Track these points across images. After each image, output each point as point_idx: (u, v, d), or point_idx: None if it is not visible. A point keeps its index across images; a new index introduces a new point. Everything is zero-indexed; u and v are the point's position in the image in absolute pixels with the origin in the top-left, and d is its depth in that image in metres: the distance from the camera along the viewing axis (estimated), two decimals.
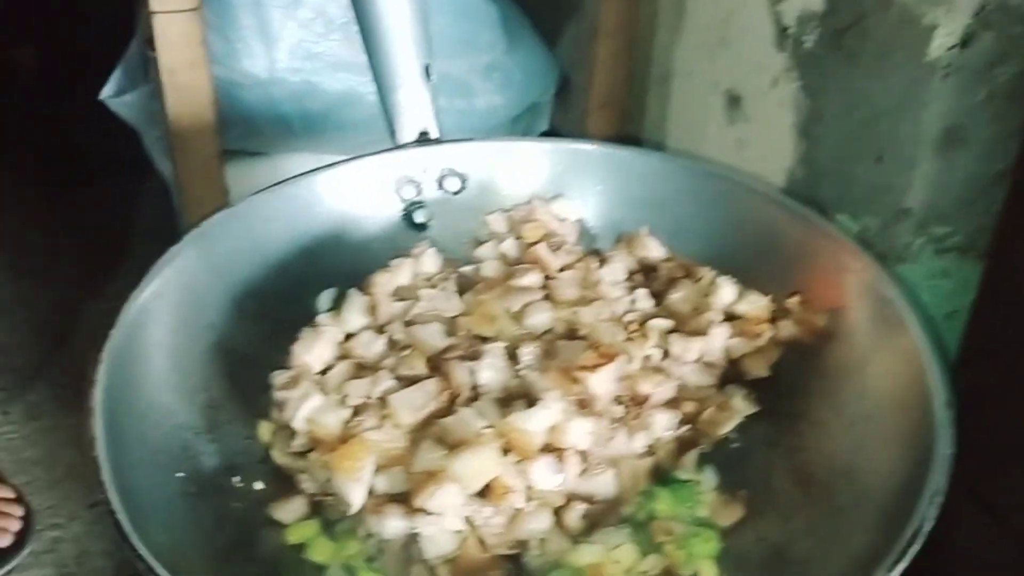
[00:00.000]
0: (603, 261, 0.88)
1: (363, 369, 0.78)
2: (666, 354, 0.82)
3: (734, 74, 1.08)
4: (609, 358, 0.72)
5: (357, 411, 0.74)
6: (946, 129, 0.85)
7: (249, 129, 1.31)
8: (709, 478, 0.78)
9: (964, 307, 0.94)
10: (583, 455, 0.71)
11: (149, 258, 0.79)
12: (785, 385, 0.82)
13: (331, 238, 0.90)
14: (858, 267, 0.81)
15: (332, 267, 0.88)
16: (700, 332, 0.82)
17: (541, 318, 0.80)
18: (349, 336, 0.82)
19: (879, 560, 0.59)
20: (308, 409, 0.74)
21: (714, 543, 0.73)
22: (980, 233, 0.92)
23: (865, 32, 0.87)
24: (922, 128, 0.85)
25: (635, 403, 0.75)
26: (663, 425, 0.77)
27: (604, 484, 0.71)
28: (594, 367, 0.72)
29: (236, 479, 0.76)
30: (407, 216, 0.93)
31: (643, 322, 0.82)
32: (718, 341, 0.82)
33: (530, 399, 0.72)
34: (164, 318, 0.78)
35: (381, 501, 0.68)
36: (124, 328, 0.74)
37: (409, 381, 0.74)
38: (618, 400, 0.75)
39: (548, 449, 0.70)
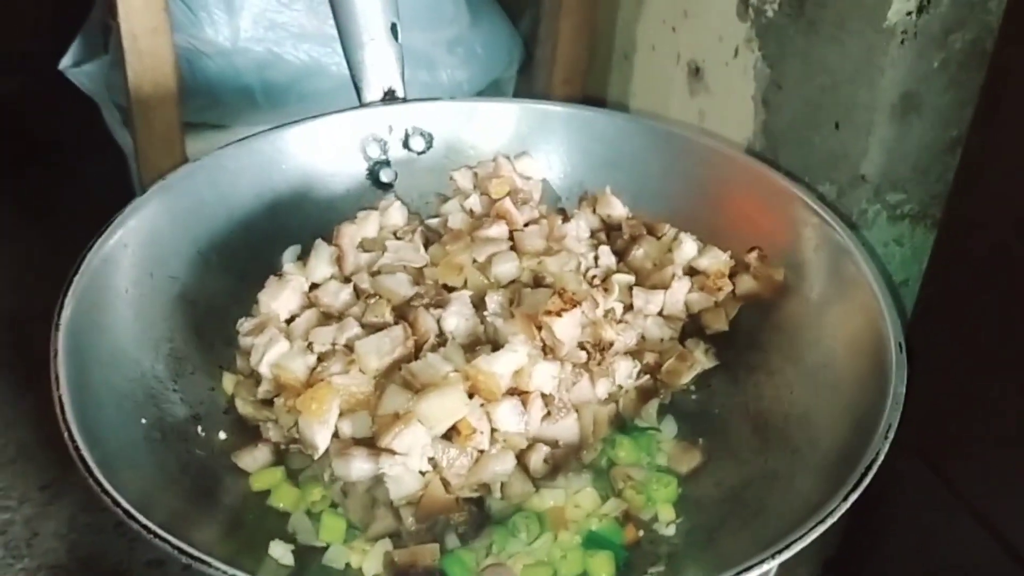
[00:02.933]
0: (567, 219, 0.89)
1: (328, 318, 0.78)
2: (628, 308, 0.82)
3: (696, 46, 1.09)
4: (573, 304, 0.73)
5: (322, 358, 0.74)
6: (902, 95, 0.86)
7: (211, 100, 1.31)
8: (669, 427, 0.79)
9: (916, 276, 0.96)
10: (547, 399, 0.72)
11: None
12: (744, 338, 0.83)
13: (296, 195, 0.90)
14: (814, 220, 0.82)
15: (297, 223, 0.88)
16: (662, 286, 0.83)
17: (507, 267, 0.80)
18: (315, 287, 0.82)
19: (835, 492, 0.61)
20: (274, 354, 0.74)
21: (673, 488, 0.74)
22: (933, 201, 0.94)
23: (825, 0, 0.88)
24: (879, 94, 0.86)
25: (598, 350, 0.76)
26: (625, 373, 0.78)
27: (567, 429, 0.72)
28: (559, 312, 0.72)
29: (199, 428, 0.76)
30: (372, 175, 0.94)
31: (606, 277, 0.83)
32: (679, 294, 0.83)
33: (495, 346, 0.72)
34: (127, 268, 0.78)
35: (346, 444, 0.68)
36: (88, 275, 0.73)
37: (375, 329, 0.74)
38: (582, 347, 0.76)
39: (513, 393, 0.70)
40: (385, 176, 0.94)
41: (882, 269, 0.79)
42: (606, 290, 0.81)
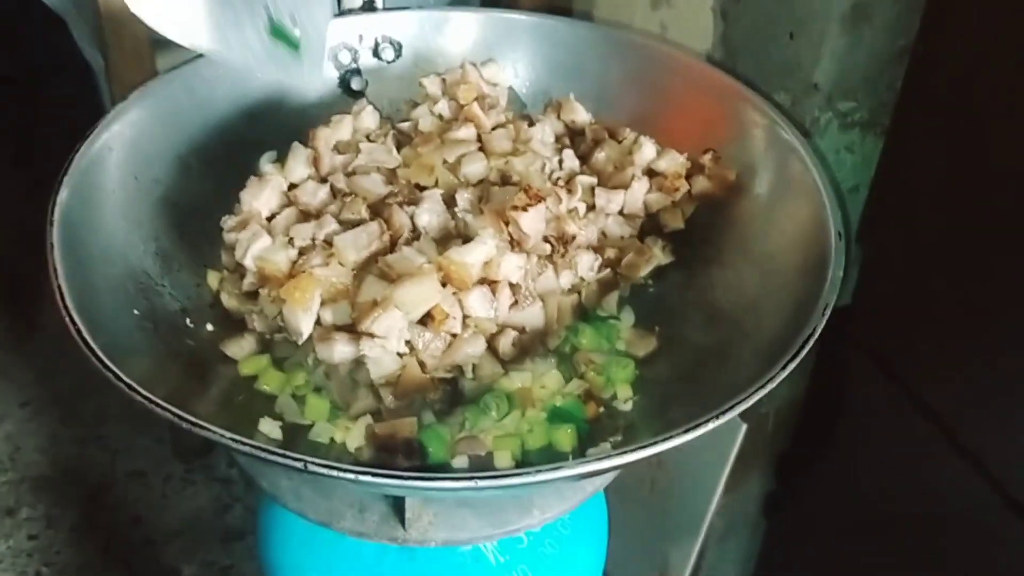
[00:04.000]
0: (532, 124, 0.92)
1: (307, 216, 0.81)
2: (591, 208, 0.86)
3: None
4: (538, 199, 0.76)
5: (303, 252, 0.77)
6: (853, 5, 0.88)
7: None
8: (627, 317, 0.83)
9: (865, 182, 0.99)
10: (514, 288, 0.75)
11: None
12: (698, 235, 0.87)
13: (271, 102, 0.92)
14: (763, 121, 0.85)
15: (273, 129, 0.90)
16: (622, 186, 0.86)
17: (476, 167, 0.83)
18: (293, 187, 0.85)
19: (777, 359, 0.65)
20: (258, 248, 0.77)
21: (630, 369, 0.78)
22: (882, 109, 0.96)
23: None
24: (831, 5, 0.88)
25: (562, 243, 0.80)
26: (586, 265, 0.82)
27: (533, 315, 0.76)
28: (524, 207, 0.75)
29: (188, 320, 0.80)
30: (343, 82, 0.96)
31: (570, 179, 0.86)
32: (638, 194, 0.86)
33: (466, 239, 0.76)
34: (113, 170, 0.80)
35: (328, 330, 0.72)
36: (76, 175, 0.76)
37: (351, 225, 0.78)
38: (547, 240, 0.79)
39: (483, 282, 0.74)
40: (356, 84, 0.96)
41: (826, 166, 0.82)
42: (569, 191, 0.84)
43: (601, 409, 0.76)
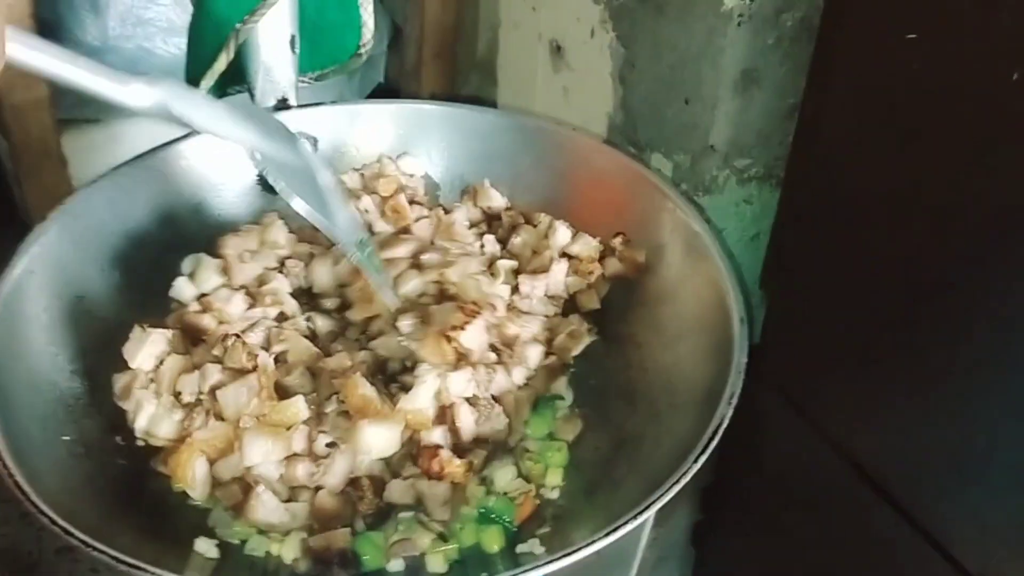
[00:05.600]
0: (448, 212, 0.95)
1: (222, 324, 0.82)
2: (515, 290, 0.89)
3: (556, 25, 1.13)
4: (475, 314, 0.79)
5: (191, 407, 0.78)
6: (743, 71, 0.93)
7: (84, 97, 1.30)
8: (568, 397, 0.86)
9: (765, 229, 1.03)
10: (472, 400, 0.78)
11: None
12: (613, 314, 0.90)
13: (191, 205, 0.93)
14: (670, 206, 0.89)
15: (194, 232, 0.92)
16: (542, 270, 0.89)
17: (413, 284, 0.85)
18: (204, 295, 0.86)
19: (687, 454, 0.69)
20: (144, 419, 0.78)
21: (564, 454, 0.81)
22: (777, 163, 1.01)
23: None
24: (722, 71, 0.92)
25: (508, 345, 0.82)
26: (536, 358, 0.84)
27: (497, 421, 0.79)
28: (462, 325, 0.78)
29: (118, 439, 0.80)
30: (262, 180, 0.97)
31: (491, 263, 0.89)
32: (559, 276, 0.90)
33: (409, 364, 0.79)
34: (36, 294, 0.81)
35: (233, 495, 0.74)
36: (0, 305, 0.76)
37: (234, 374, 0.78)
38: (493, 348, 0.82)
39: (441, 414, 0.77)
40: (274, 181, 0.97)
41: (727, 250, 0.86)
42: (492, 275, 0.87)
43: (538, 501, 0.77)
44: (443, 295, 0.84)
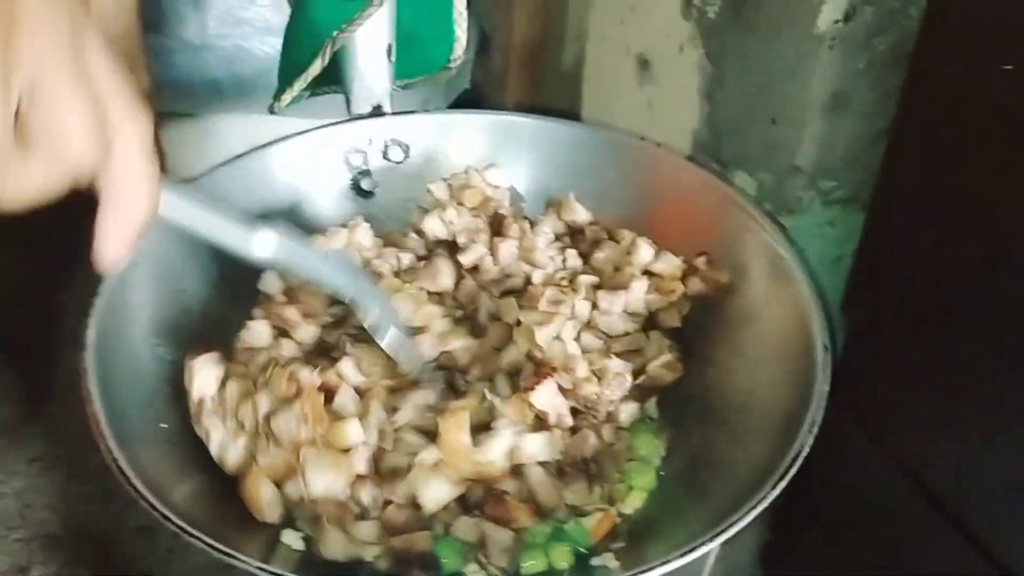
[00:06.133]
0: (533, 225, 0.96)
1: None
2: (594, 307, 0.89)
3: (644, 39, 1.14)
4: (544, 376, 0.79)
5: (255, 433, 0.78)
6: (832, 94, 0.92)
7: (180, 91, 1.34)
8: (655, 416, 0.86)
9: (849, 253, 1.02)
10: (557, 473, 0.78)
11: None
12: (694, 334, 0.90)
13: (285, 207, 0.96)
14: (755, 227, 0.89)
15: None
16: (622, 287, 0.90)
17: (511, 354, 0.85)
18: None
19: (765, 481, 0.69)
20: (216, 446, 0.79)
21: (651, 476, 0.80)
22: (862, 186, 0.99)
23: (760, 5, 0.94)
24: (811, 93, 0.92)
25: (590, 407, 0.81)
26: (629, 415, 0.84)
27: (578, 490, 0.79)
28: (532, 386, 0.78)
29: None
30: (355, 184, 1.00)
31: (572, 279, 0.90)
32: (639, 293, 0.90)
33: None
34: (139, 285, 0.84)
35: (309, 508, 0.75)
36: (106, 295, 0.79)
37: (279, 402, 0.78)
38: (576, 411, 0.81)
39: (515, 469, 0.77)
40: (366, 185, 1.00)
41: (812, 274, 0.86)
42: (573, 290, 0.88)
43: (618, 520, 0.78)
44: (530, 356, 0.84)
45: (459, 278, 0.92)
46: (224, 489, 0.78)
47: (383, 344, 0.80)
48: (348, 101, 0.97)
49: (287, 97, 0.97)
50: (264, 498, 0.75)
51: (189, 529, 0.66)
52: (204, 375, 0.80)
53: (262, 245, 0.69)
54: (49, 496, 1.73)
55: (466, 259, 0.92)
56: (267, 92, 1.32)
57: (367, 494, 0.75)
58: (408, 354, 0.82)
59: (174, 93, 1.34)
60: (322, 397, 0.77)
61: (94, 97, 0.52)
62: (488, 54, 1.44)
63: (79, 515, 1.71)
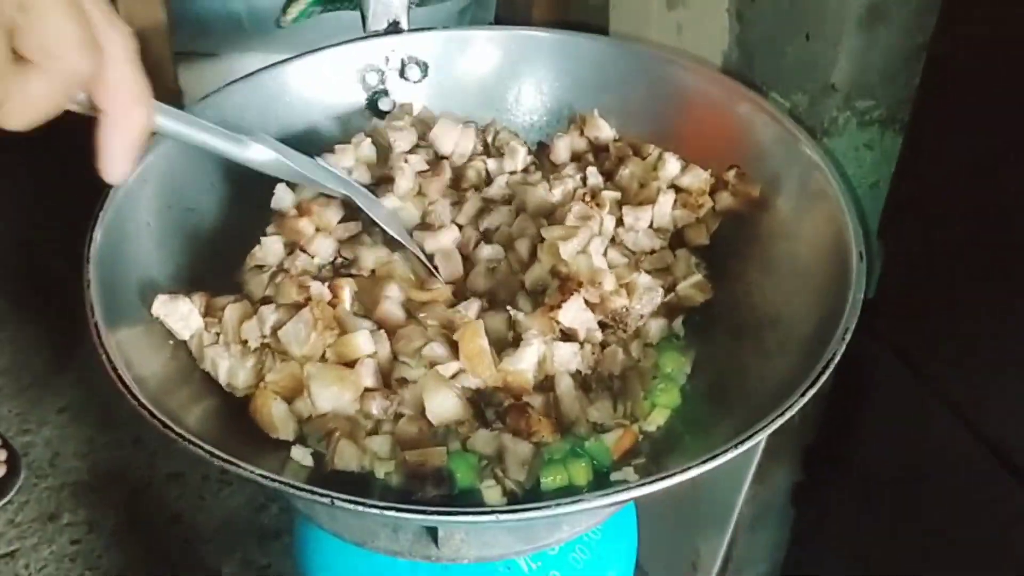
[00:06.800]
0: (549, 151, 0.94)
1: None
2: (620, 223, 0.86)
3: None
4: (569, 292, 0.76)
5: (260, 352, 0.77)
6: (869, 6, 0.88)
7: (200, 29, 1.33)
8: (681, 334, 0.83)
9: (886, 177, 0.99)
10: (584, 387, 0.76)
11: None
12: (723, 251, 0.87)
13: (300, 126, 0.93)
14: (787, 137, 0.85)
15: (303, 149, 0.90)
16: (648, 202, 0.86)
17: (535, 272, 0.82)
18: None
19: (797, 386, 0.66)
20: (224, 374, 0.76)
21: (675, 394, 0.78)
22: (901, 106, 0.96)
23: None
24: (846, 6, 0.88)
25: (619, 320, 0.78)
26: (657, 331, 0.81)
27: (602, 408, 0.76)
28: (559, 304, 0.75)
29: None
30: (371, 104, 0.97)
31: (594, 195, 0.86)
32: (666, 207, 0.86)
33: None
34: (148, 201, 0.82)
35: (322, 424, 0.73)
36: (112, 210, 0.78)
37: (288, 311, 0.76)
38: (604, 324, 0.79)
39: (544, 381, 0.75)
40: (384, 105, 0.97)
41: (847, 181, 0.83)
42: (597, 204, 0.85)
43: (640, 436, 0.75)
44: (554, 271, 0.81)
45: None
46: (239, 412, 0.76)
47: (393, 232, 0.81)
48: (364, 18, 0.94)
49: (293, 11, 0.95)
50: (275, 415, 0.73)
51: (191, 438, 0.63)
52: (176, 316, 0.77)
53: (257, 150, 0.73)
54: (79, 443, 1.76)
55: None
56: (288, 31, 1.31)
57: (377, 406, 0.72)
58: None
59: (194, 32, 1.33)
60: (331, 308, 0.76)
61: (82, 10, 0.53)
62: None
63: (108, 462, 1.74)
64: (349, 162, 0.90)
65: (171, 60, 1.25)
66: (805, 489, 1.23)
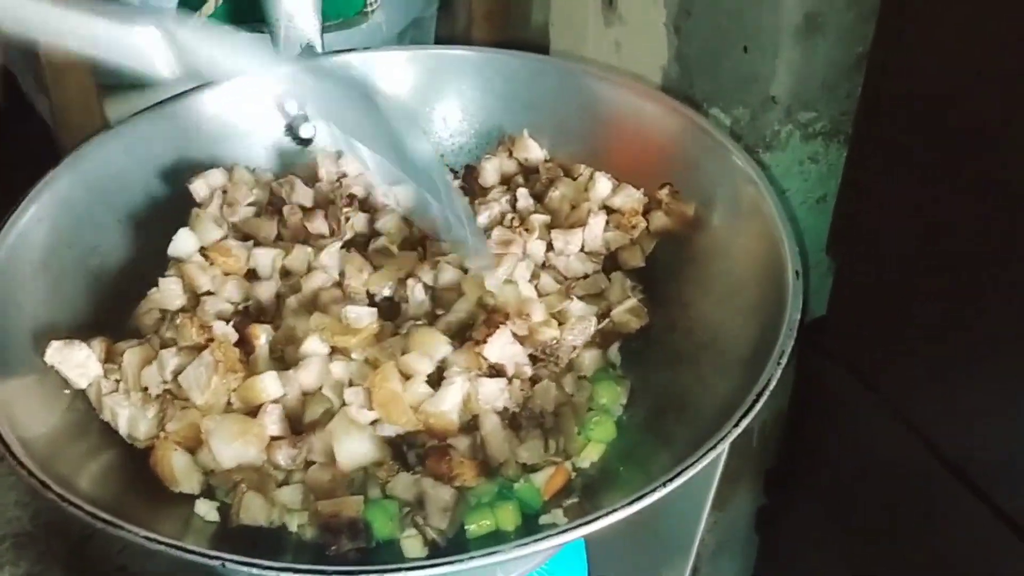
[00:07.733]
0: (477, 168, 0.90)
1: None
2: (550, 248, 0.83)
3: None
4: (496, 325, 0.72)
5: (161, 399, 0.72)
6: (806, 16, 0.87)
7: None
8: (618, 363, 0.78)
9: (832, 191, 0.97)
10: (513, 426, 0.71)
11: None
12: (659, 273, 0.83)
13: (215, 157, 0.89)
14: (720, 152, 0.82)
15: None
16: (579, 224, 0.83)
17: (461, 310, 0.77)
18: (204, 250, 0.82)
19: (730, 415, 0.62)
20: (124, 424, 0.72)
21: (610, 428, 0.73)
22: (844, 118, 0.95)
23: None
24: (783, 16, 0.87)
25: (550, 353, 0.75)
26: (592, 363, 0.77)
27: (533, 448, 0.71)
28: (484, 339, 0.71)
29: None
30: (291, 131, 0.92)
31: (524, 219, 0.83)
32: (597, 230, 0.83)
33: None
34: (43, 240, 0.77)
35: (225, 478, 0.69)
36: (3, 250, 0.73)
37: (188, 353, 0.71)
38: (535, 358, 0.75)
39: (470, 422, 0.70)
40: (305, 132, 0.91)
41: (783, 197, 0.80)
42: (526, 229, 0.82)
43: (573, 475, 0.71)
44: (480, 304, 0.76)
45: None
46: (143, 464, 0.71)
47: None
48: (274, 42, 0.90)
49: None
50: (176, 467, 0.68)
51: (70, 497, 0.61)
52: (71, 363, 0.72)
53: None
54: (19, 493, 1.69)
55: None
56: None
57: (283, 456, 0.67)
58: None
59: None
60: (236, 350, 0.71)
61: None
62: (452, 7, 1.37)
63: (50, 512, 1.67)
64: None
65: (95, 91, 1.20)
66: (769, 514, 1.20)
